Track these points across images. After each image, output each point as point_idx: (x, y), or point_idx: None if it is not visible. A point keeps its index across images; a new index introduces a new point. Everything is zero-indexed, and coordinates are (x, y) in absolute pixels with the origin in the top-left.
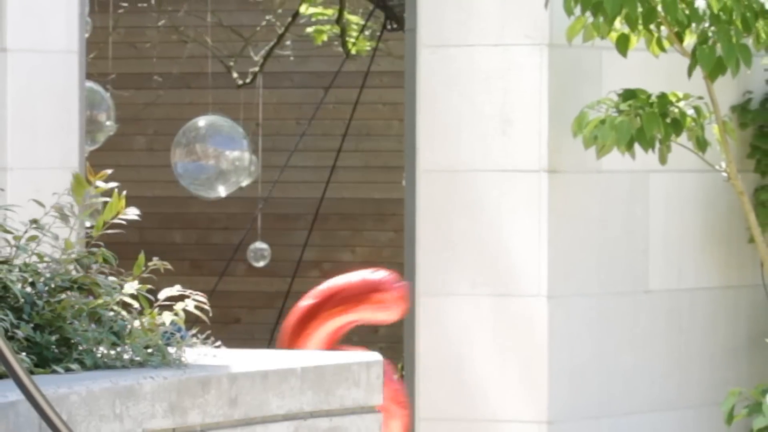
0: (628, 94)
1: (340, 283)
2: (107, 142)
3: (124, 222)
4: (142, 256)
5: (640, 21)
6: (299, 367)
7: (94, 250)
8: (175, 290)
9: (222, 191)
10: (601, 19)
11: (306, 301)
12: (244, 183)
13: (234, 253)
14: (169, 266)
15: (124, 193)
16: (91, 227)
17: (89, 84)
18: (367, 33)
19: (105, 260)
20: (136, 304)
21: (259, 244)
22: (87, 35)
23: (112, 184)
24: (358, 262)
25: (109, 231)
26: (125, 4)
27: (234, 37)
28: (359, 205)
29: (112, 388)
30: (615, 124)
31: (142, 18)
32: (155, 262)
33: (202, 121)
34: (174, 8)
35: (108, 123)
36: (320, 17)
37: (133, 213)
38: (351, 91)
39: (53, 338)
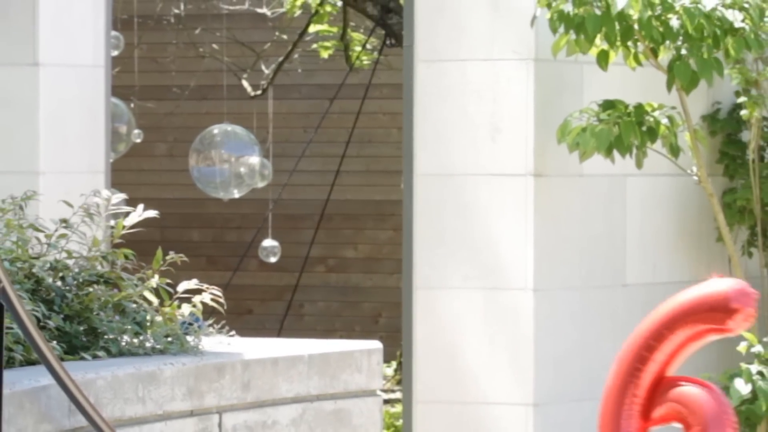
0: (608, 105)
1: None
2: (132, 148)
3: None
4: (159, 252)
5: (618, 38)
6: (306, 354)
7: (117, 251)
8: (193, 284)
9: (235, 193)
10: (582, 36)
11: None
12: (260, 185)
13: (247, 250)
14: (185, 259)
15: (141, 206)
16: (113, 227)
17: (111, 99)
18: (368, 48)
19: (126, 257)
20: (155, 301)
21: (270, 242)
22: (118, 51)
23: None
24: (361, 258)
25: (131, 230)
26: (149, 22)
27: (247, 53)
28: (361, 206)
29: (135, 374)
30: (595, 131)
31: (163, 35)
32: (172, 256)
33: (216, 129)
34: (192, 26)
35: (135, 131)
36: (326, 34)
37: (151, 213)
38: (354, 102)
39: (81, 328)
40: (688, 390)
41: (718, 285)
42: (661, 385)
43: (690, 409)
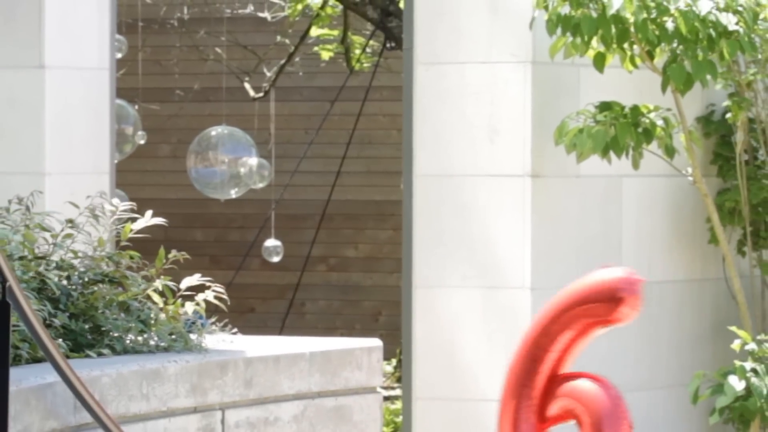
0: (604, 106)
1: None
2: (136, 149)
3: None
4: (162, 251)
5: (614, 41)
6: (308, 352)
7: (122, 251)
8: (196, 279)
9: (233, 194)
10: (579, 39)
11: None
12: (260, 185)
13: (249, 250)
14: (187, 256)
15: (149, 212)
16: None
17: (118, 101)
18: (368, 51)
19: (132, 258)
20: (159, 301)
21: (272, 241)
22: (122, 54)
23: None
24: (361, 257)
25: (137, 235)
26: (153, 26)
27: (249, 56)
28: (362, 206)
29: (139, 371)
30: (592, 133)
31: (166, 38)
32: (175, 254)
33: (213, 131)
34: (195, 30)
35: (139, 132)
36: (327, 37)
37: (159, 220)
38: (354, 104)
39: (87, 326)
40: (580, 384)
41: (603, 276)
42: (555, 383)
43: (583, 403)
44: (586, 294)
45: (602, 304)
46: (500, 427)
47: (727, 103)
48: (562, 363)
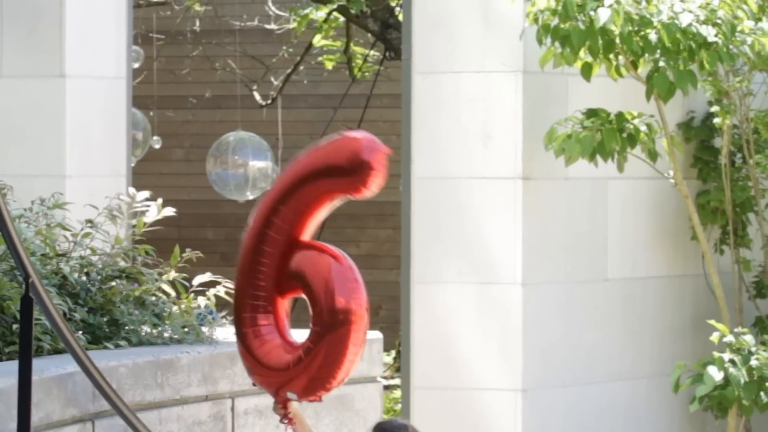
0: (591, 113)
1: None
2: (151, 153)
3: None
4: (177, 249)
5: (601, 51)
6: None
7: (138, 247)
8: (207, 276)
9: (249, 195)
10: (568, 49)
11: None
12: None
13: None
14: (201, 255)
15: (160, 200)
16: (135, 226)
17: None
18: (369, 61)
19: (147, 253)
20: (173, 294)
21: None
22: (138, 64)
23: (146, 195)
24: (363, 255)
25: (151, 228)
26: (162, 37)
27: (257, 65)
28: (363, 206)
29: (154, 362)
30: (579, 138)
31: (179, 49)
32: (188, 252)
33: (231, 136)
34: (207, 41)
35: (155, 138)
36: (330, 48)
37: (169, 211)
38: (356, 111)
39: (104, 319)
40: (312, 252)
41: (345, 144)
42: (292, 250)
43: (315, 269)
44: (329, 162)
45: (346, 174)
46: (236, 294)
47: (715, 108)
48: (302, 230)
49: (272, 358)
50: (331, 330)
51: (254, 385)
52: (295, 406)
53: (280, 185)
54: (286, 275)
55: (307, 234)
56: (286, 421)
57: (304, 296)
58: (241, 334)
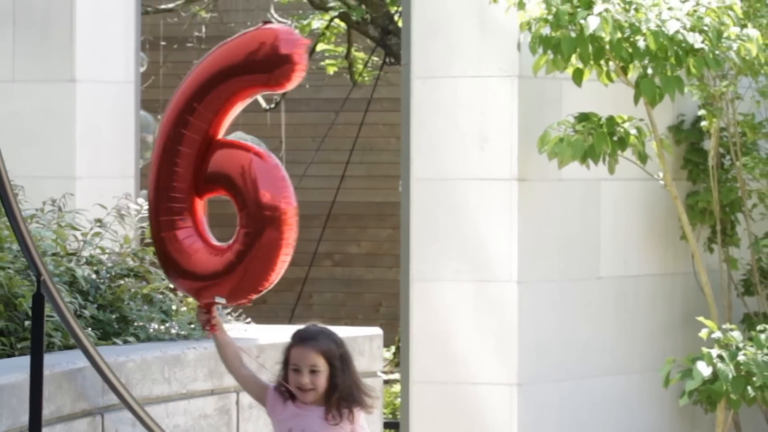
0: (583, 117)
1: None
2: None
3: None
4: None
5: (591, 58)
6: None
7: (146, 248)
8: None
9: None
10: (559, 56)
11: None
12: None
13: None
14: None
15: None
16: (145, 227)
17: (141, 112)
18: (370, 66)
19: (155, 253)
20: (180, 293)
21: None
22: (143, 69)
23: None
24: (363, 253)
25: None
26: (174, 44)
27: None
28: (364, 207)
29: (161, 357)
30: (571, 141)
31: (185, 54)
32: None
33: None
34: (212, 46)
35: None
36: (332, 53)
37: None
38: (357, 114)
39: (113, 316)
40: (233, 150)
41: (262, 37)
42: (209, 149)
43: (238, 166)
44: (247, 60)
45: (268, 74)
46: (150, 199)
47: (703, 112)
48: (219, 128)
49: (197, 263)
50: (262, 229)
51: (174, 289)
52: (216, 314)
53: (193, 83)
54: (204, 176)
55: (223, 132)
56: (208, 328)
57: (226, 196)
58: (159, 240)
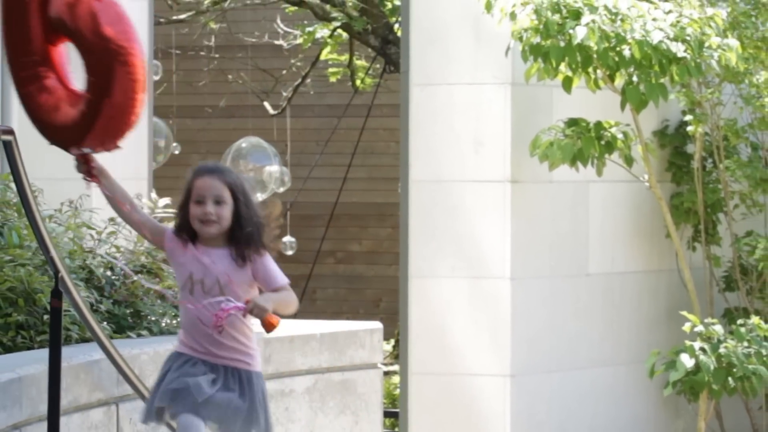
0: (572, 122)
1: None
2: (170, 158)
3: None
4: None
5: (579, 66)
6: (318, 333)
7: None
8: None
9: (259, 197)
10: (549, 65)
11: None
12: (281, 189)
13: None
14: None
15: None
16: None
17: (154, 118)
18: (371, 74)
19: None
20: None
21: (288, 238)
22: (158, 77)
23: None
24: (364, 251)
25: None
26: (185, 52)
27: (267, 78)
28: (365, 207)
29: (173, 350)
30: (561, 145)
31: (196, 63)
32: None
33: (244, 143)
34: (221, 55)
35: (174, 144)
36: (335, 62)
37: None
38: (358, 120)
39: (128, 311)
40: None
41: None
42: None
43: (76, 9)
44: None
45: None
46: (9, 58)
47: (688, 117)
48: None
49: (59, 115)
50: (110, 68)
51: (52, 144)
52: (99, 161)
53: None
54: (50, 24)
55: None
56: (89, 179)
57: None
58: (24, 95)
